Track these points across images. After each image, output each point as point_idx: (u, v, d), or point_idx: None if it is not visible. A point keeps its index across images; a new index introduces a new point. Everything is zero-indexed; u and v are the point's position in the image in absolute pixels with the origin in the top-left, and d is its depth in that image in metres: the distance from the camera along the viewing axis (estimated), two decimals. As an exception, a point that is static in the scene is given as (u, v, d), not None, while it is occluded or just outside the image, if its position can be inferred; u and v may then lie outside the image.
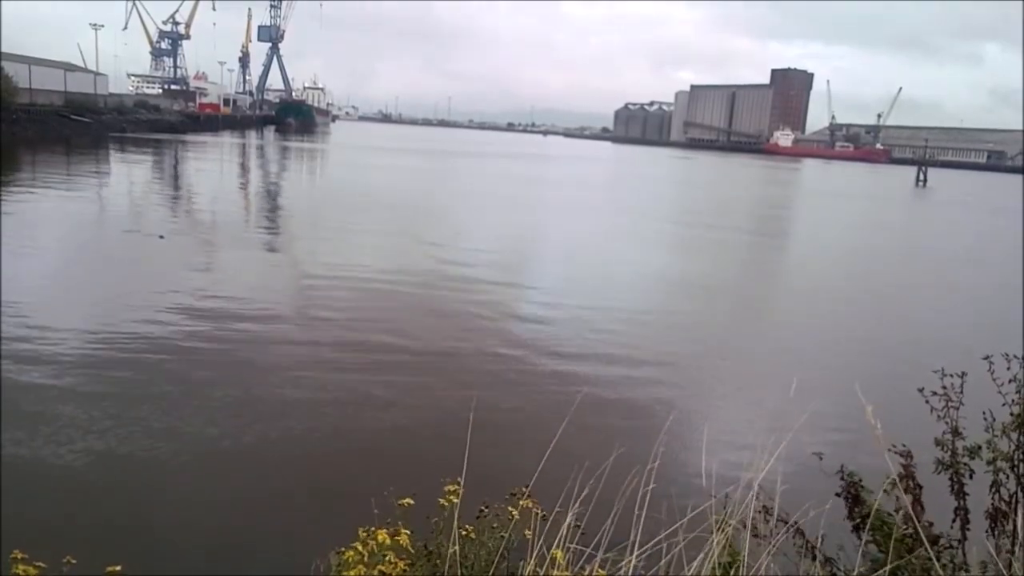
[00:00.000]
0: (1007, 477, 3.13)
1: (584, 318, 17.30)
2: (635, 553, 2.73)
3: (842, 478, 3.39)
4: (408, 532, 3.02)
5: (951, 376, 3.27)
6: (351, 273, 20.30)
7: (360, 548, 2.89)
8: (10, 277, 16.71)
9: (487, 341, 14.83)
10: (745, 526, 2.99)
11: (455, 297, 18.30)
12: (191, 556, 7.09)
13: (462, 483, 3.34)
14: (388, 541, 2.91)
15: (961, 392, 3.25)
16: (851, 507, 3.31)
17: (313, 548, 3.40)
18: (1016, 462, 3.12)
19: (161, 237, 23.49)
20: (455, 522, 3.08)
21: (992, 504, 3.16)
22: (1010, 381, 3.25)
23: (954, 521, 3.23)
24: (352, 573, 2.86)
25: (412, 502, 3.24)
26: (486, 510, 3.42)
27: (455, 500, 3.23)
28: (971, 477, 3.21)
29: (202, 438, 9.50)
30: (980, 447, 3.17)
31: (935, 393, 3.26)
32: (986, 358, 3.33)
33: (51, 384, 10.84)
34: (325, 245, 25.32)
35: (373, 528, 3.01)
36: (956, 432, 3.22)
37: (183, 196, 39.41)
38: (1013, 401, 3.21)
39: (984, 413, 3.15)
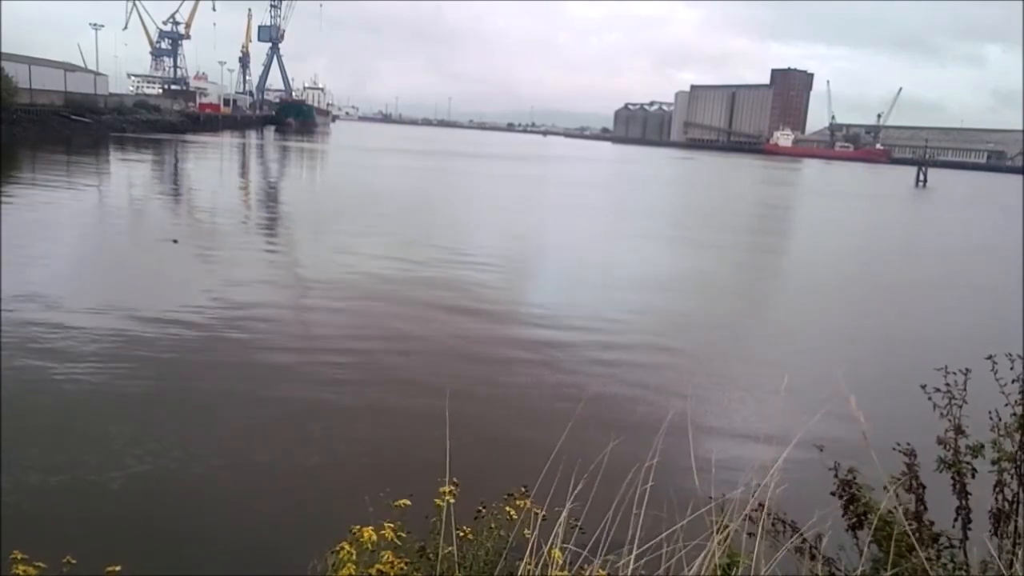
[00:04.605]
0: (1011, 478, 3.10)
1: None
2: (634, 553, 2.69)
3: (835, 475, 3.34)
4: (392, 526, 3.00)
5: (954, 373, 3.23)
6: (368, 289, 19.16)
7: (348, 546, 2.87)
8: (31, 283, 16.61)
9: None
10: (747, 527, 2.95)
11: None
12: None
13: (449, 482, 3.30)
14: (374, 537, 2.90)
15: (964, 389, 3.20)
16: (846, 505, 3.28)
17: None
18: (1019, 462, 3.08)
19: (175, 241, 23.50)
20: (452, 522, 3.05)
21: (995, 504, 3.13)
22: (1013, 381, 3.21)
23: (956, 521, 3.19)
24: (345, 572, 2.83)
25: (409, 503, 3.20)
26: (483, 510, 3.39)
27: (451, 500, 3.20)
28: (973, 476, 3.16)
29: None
30: (983, 446, 3.12)
31: (938, 390, 3.22)
32: (989, 358, 3.29)
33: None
34: (327, 252, 24.92)
35: (361, 527, 2.98)
36: (959, 430, 3.17)
37: (188, 199, 39.25)
38: (1016, 401, 3.17)
39: (990, 413, 3.11)
